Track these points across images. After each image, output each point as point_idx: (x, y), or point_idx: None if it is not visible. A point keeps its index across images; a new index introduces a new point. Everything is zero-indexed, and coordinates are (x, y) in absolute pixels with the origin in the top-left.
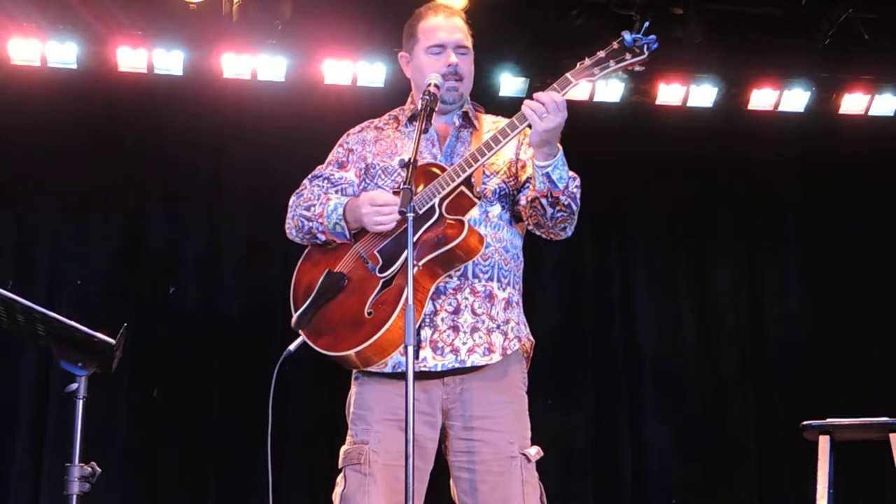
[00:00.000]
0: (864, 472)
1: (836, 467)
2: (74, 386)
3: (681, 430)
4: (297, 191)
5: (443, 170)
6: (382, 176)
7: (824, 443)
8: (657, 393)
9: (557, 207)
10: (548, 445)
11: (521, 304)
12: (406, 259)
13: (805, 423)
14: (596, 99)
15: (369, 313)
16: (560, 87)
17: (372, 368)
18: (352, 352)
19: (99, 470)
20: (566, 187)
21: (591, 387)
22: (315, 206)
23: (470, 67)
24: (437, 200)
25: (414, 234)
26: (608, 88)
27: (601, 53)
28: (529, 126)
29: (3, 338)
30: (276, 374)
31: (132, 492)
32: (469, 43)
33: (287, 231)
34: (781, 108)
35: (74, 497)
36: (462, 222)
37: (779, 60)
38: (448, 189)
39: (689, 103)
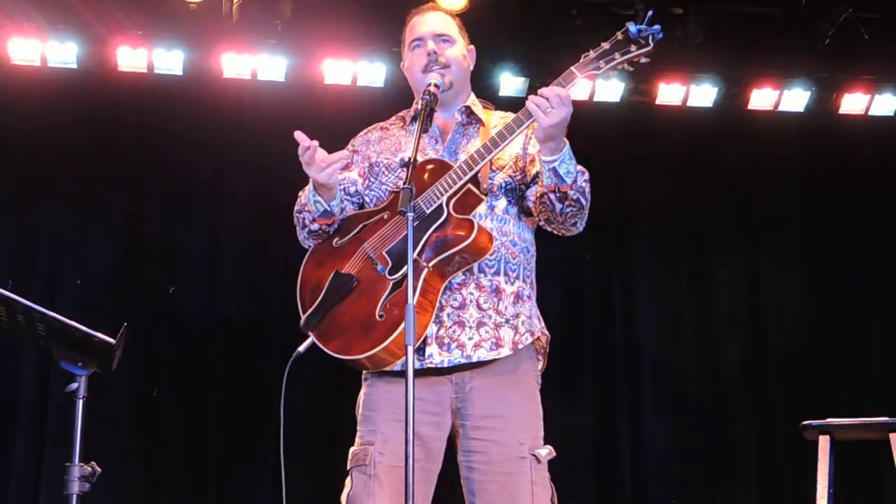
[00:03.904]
0: (864, 472)
1: (836, 467)
2: (74, 386)
3: (681, 431)
4: None
5: (447, 166)
6: (386, 172)
7: (824, 443)
8: (657, 393)
9: (566, 202)
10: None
11: (533, 297)
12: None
13: (805, 423)
14: (596, 99)
15: (380, 316)
16: (565, 81)
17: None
18: (363, 356)
19: (99, 470)
20: (574, 182)
21: (591, 387)
22: (301, 197)
23: (456, 55)
24: (444, 199)
25: (422, 235)
26: (608, 88)
27: (606, 45)
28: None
29: (3, 338)
30: (286, 376)
31: (132, 492)
32: (453, 32)
33: (298, 237)
34: (781, 108)
35: (74, 497)
36: (471, 222)
37: (779, 60)
38: (455, 188)
39: (689, 103)
